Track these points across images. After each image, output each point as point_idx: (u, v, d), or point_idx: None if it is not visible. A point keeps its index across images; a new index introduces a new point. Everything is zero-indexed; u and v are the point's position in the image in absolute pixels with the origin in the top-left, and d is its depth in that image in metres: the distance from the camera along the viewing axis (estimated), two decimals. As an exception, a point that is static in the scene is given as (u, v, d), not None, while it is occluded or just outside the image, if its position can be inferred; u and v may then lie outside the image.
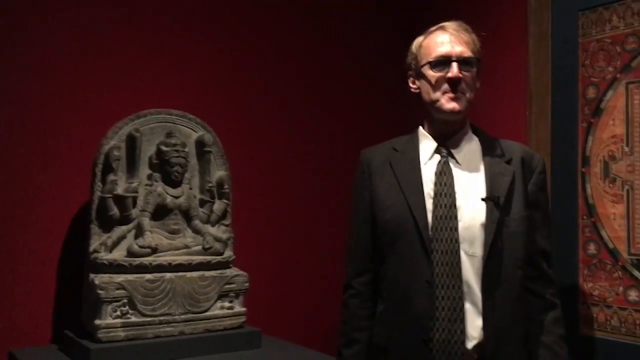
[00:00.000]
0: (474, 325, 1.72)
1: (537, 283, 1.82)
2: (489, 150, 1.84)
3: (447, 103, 1.78)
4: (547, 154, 2.38)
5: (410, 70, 1.90)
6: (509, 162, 1.81)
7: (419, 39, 1.88)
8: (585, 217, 2.31)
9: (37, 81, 2.26)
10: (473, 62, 1.79)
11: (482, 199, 1.75)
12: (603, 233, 2.26)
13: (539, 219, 1.83)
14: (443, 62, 1.78)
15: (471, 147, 1.86)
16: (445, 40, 1.80)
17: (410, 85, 1.90)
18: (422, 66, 1.83)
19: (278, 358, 2.13)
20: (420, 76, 1.84)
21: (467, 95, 1.79)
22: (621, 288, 2.20)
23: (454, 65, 1.76)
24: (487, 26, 2.64)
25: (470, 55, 1.79)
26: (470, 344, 1.72)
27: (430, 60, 1.80)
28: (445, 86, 1.78)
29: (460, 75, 1.76)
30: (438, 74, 1.79)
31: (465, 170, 1.82)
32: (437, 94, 1.79)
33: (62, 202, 2.28)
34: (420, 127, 1.91)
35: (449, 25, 1.83)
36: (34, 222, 2.23)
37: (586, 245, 2.30)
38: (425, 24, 1.90)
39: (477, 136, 1.89)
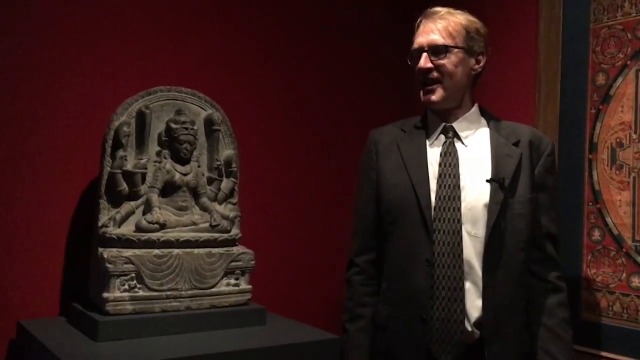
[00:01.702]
0: (473, 305, 1.74)
1: (541, 265, 1.84)
2: (496, 132, 1.85)
3: (422, 96, 1.83)
4: (555, 139, 2.38)
5: None
6: (516, 144, 1.82)
7: None
8: (590, 203, 2.32)
9: (48, 57, 2.27)
10: (442, 49, 1.78)
11: (487, 180, 1.76)
12: (608, 220, 2.26)
13: (546, 202, 1.84)
14: (417, 54, 1.82)
15: (478, 128, 1.87)
16: (421, 30, 1.83)
17: None
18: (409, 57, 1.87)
19: (282, 335, 2.16)
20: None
21: (445, 83, 1.79)
22: (624, 274, 2.21)
23: (423, 55, 1.79)
24: (498, 10, 2.65)
25: (442, 42, 1.78)
26: (469, 324, 1.74)
27: (411, 51, 1.85)
28: (420, 77, 1.81)
29: (428, 65, 1.78)
30: (416, 66, 1.82)
31: (471, 151, 1.83)
32: (418, 86, 1.84)
33: (71, 177, 2.31)
34: (429, 110, 1.92)
35: (430, 12, 1.84)
36: (43, 197, 2.26)
37: (591, 232, 2.31)
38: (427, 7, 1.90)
39: (485, 118, 1.90)
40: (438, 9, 1.84)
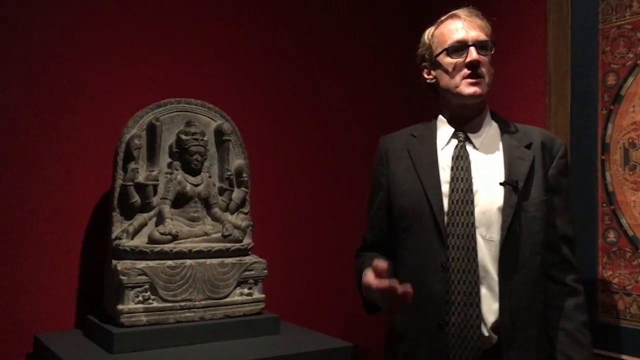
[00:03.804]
0: (490, 310, 1.72)
1: (558, 268, 1.82)
2: (508, 135, 1.84)
3: (467, 88, 1.78)
4: (567, 141, 2.36)
5: (424, 61, 1.90)
6: (528, 146, 1.81)
7: (431, 29, 1.89)
8: (604, 204, 2.29)
9: (60, 72, 2.29)
10: (489, 45, 1.79)
11: (500, 183, 1.75)
12: (623, 221, 2.24)
13: (560, 204, 1.82)
14: (460, 47, 1.78)
15: (490, 132, 1.86)
16: (459, 27, 1.80)
17: (425, 76, 1.90)
18: (438, 55, 1.83)
19: (296, 344, 2.16)
20: (436, 65, 1.84)
21: (486, 79, 1.79)
22: (641, 276, 2.19)
23: (472, 49, 1.76)
24: (507, 12, 2.64)
25: (485, 38, 1.79)
26: (486, 329, 1.72)
27: (447, 47, 1.80)
28: (465, 71, 1.77)
29: (479, 58, 1.76)
30: (456, 60, 1.79)
31: (483, 154, 1.82)
32: (457, 80, 1.79)
33: (84, 190, 2.32)
34: (439, 114, 1.92)
35: (460, 12, 1.83)
36: (57, 210, 2.27)
37: (606, 233, 2.29)
38: (441, 12, 1.90)
39: (496, 121, 1.89)
40: (467, 9, 1.83)
